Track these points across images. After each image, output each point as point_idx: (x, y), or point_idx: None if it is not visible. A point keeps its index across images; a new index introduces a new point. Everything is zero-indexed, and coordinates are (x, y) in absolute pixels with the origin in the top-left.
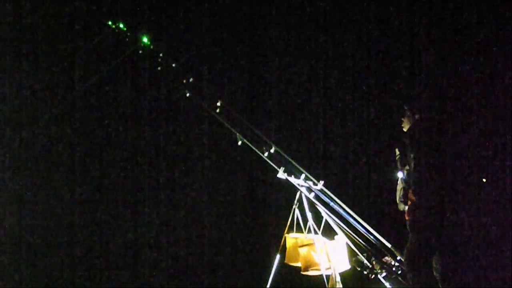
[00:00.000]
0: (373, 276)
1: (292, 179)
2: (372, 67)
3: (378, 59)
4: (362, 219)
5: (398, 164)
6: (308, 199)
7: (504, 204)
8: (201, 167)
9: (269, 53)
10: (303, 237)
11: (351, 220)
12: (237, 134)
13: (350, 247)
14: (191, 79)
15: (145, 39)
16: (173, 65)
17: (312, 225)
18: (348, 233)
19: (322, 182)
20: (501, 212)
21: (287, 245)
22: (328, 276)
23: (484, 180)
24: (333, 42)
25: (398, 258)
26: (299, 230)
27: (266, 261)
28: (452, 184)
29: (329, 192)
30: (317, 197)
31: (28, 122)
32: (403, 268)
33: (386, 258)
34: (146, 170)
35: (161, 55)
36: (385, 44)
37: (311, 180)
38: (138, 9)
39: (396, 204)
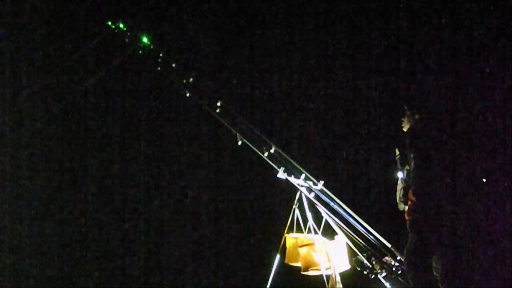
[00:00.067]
0: (373, 276)
1: (292, 179)
2: (372, 67)
3: (378, 59)
4: (362, 219)
5: (398, 164)
6: (308, 199)
7: (504, 204)
8: (201, 167)
9: (269, 53)
10: (303, 237)
11: (351, 220)
12: (237, 134)
13: (350, 247)
14: (191, 79)
15: (145, 39)
16: (173, 65)
17: (312, 225)
18: (348, 233)
19: (322, 182)
20: (501, 212)
21: (287, 245)
22: (328, 276)
23: (484, 180)
24: (333, 42)
25: (398, 258)
26: (299, 230)
27: (266, 261)
28: (452, 184)
29: (329, 192)
30: (317, 197)
31: (28, 122)
32: (403, 268)
33: (386, 258)
34: (146, 170)
35: (161, 55)
36: (385, 44)
37: (311, 180)
38: (138, 9)
39: (396, 204)
